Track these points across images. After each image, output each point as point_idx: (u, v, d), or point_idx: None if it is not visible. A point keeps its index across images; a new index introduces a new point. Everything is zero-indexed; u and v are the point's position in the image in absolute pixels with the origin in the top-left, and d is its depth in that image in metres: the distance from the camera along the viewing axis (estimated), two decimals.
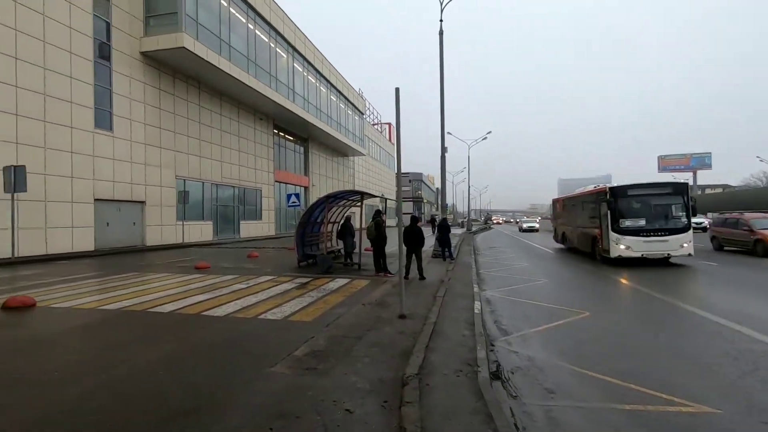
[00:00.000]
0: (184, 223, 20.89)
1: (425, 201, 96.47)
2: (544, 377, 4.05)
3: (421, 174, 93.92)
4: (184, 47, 18.17)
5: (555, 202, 21.29)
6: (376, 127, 61.03)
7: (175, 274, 10.34)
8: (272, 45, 26.75)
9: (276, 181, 31.22)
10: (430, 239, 14.71)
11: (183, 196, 20.09)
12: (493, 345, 5.06)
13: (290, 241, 22.10)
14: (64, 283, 9.06)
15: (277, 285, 8.80)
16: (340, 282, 9.23)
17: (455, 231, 28.62)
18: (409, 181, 79.00)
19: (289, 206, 22.54)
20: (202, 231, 22.73)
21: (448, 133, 19.53)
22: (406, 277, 8.64)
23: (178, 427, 2.86)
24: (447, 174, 17.51)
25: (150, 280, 9.52)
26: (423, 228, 10.44)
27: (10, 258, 12.85)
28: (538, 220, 42.44)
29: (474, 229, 43.75)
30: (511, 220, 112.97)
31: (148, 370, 3.96)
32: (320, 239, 13.47)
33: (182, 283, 9.04)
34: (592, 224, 14.04)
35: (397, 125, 6.13)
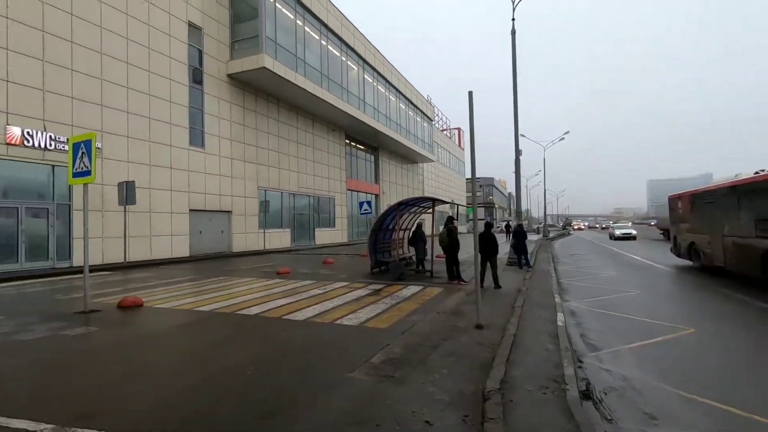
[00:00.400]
0: (265, 230, 22.31)
1: (497, 206, 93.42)
2: (644, 400, 3.64)
3: (492, 179, 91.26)
4: (264, 67, 19.55)
5: (675, 199, 15.03)
6: (445, 132, 60.53)
7: (258, 279, 11.03)
8: (344, 59, 27.77)
9: (348, 190, 32.19)
10: (503, 246, 14.14)
11: (264, 206, 21.51)
12: (581, 361, 4.68)
13: (362, 247, 22.60)
14: (166, 286, 10.08)
15: (351, 291, 9.00)
16: (413, 289, 9.20)
17: (531, 237, 27.29)
18: (480, 186, 77.09)
19: (361, 214, 23.08)
20: (281, 238, 24.09)
21: (522, 135, 18.74)
22: (481, 286, 8.37)
23: (265, 427, 3.00)
24: (521, 178, 16.77)
25: (237, 284, 10.25)
26: (496, 235, 10.08)
27: (122, 262, 14.64)
28: (629, 225, 38.50)
29: (551, 235, 41.35)
30: (597, 225, 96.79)
31: (238, 370, 4.22)
32: (392, 246, 13.58)
33: (265, 287, 9.60)
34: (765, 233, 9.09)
35: (470, 130, 5.99)
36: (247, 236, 21.47)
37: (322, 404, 3.36)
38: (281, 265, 14.33)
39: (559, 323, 6.06)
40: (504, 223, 47.50)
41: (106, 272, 13.02)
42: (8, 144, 11.97)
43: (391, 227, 13.50)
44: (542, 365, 4.26)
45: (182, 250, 17.65)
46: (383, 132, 33.09)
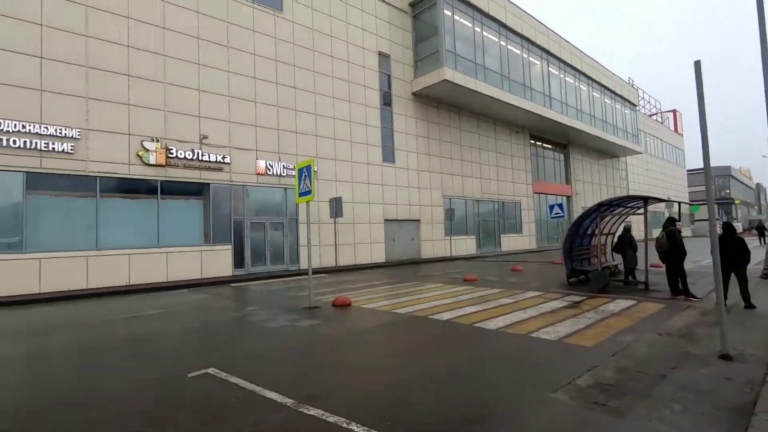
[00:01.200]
0: (451, 237, 22.88)
1: (737, 202, 72.99)
2: None
3: (728, 167, 72.06)
4: (445, 80, 20.27)
5: None
6: (654, 117, 50.84)
7: (447, 285, 11.33)
8: (525, 55, 26.45)
9: (535, 193, 30.25)
10: (756, 253, 10.88)
11: (449, 214, 22.12)
12: None
13: (552, 254, 20.80)
14: (368, 288, 11.34)
15: (546, 302, 8.33)
16: (621, 304, 7.92)
17: None
18: (713, 178, 61.62)
19: (552, 218, 21.32)
20: (466, 245, 24.30)
21: None
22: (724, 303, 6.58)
23: None
24: None
25: (427, 289, 10.76)
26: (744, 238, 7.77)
27: (334, 267, 17.20)
28: None
29: None
30: None
31: (435, 373, 4.37)
32: (591, 253, 12.05)
33: (454, 293, 9.78)
34: None
35: (700, 109, 4.81)
36: (434, 243, 22.43)
37: (524, 422, 3.16)
38: (468, 271, 14.40)
39: None
40: (755, 223, 36.68)
41: (323, 274, 15.49)
42: (257, 174, 15.60)
43: (589, 232, 12.01)
44: None
45: (379, 256, 19.63)
46: (573, 127, 29.97)
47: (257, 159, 15.61)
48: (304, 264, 16.54)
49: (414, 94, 21.92)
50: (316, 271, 15.89)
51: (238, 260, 15.02)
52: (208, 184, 14.34)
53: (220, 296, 10.68)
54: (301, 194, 8.49)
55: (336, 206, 15.95)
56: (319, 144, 17.61)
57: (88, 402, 3.83)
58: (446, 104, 23.73)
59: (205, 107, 14.34)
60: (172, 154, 13.40)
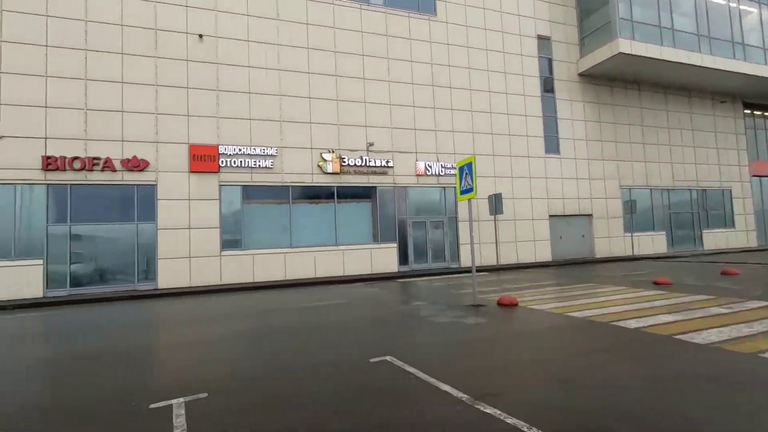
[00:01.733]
0: (633, 234, 19.82)
1: None
2: None
3: None
4: (620, 53, 17.70)
5: None
6: None
7: (631, 289, 9.86)
8: (732, 4, 21.11)
9: (753, 176, 23.88)
10: None
11: (629, 206, 19.21)
12: None
13: None
14: (535, 288, 10.69)
15: None
16: None
17: None
18: None
19: None
20: (653, 242, 20.71)
21: None
22: None
23: None
24: None
25: (606, 292, 9.55)
26: None
27: (495, 265, 16.76)
28: None
29: None
30: None
31: (625, 386, 3.85)
32: None
33: (641, 298, 8.45)
34: None
35: None
36: (610, 241, 19.78)
37: None
38: (657, 273, 12.25)
39: None
40: None
41: (484, 273, 15.24)
42: (417, 175, 16.30)
43: None
44: None
45: (544, 254, 18.30)
46: None
47: (417, 161, 16.31)
48: (464, 262, 16.60)
49: (581, 75, 19.76)
50: (476, 270, 15.78)
51: (402, 257, 15.97)
52: (375, 187, 15.65)
53: (389, 290, 11.53)
54: (462, 192, 8.54)
55: (496, 203, 15.52)
56: (477, 141, 17.40)
57: (289, 374, 4.60)
58: (621, 81, 20.68)
59: (370, 117, 15.69)
60: (344, 162, 15.08)
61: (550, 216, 18.64)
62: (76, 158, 12.21)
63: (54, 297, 11.72)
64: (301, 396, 3.91)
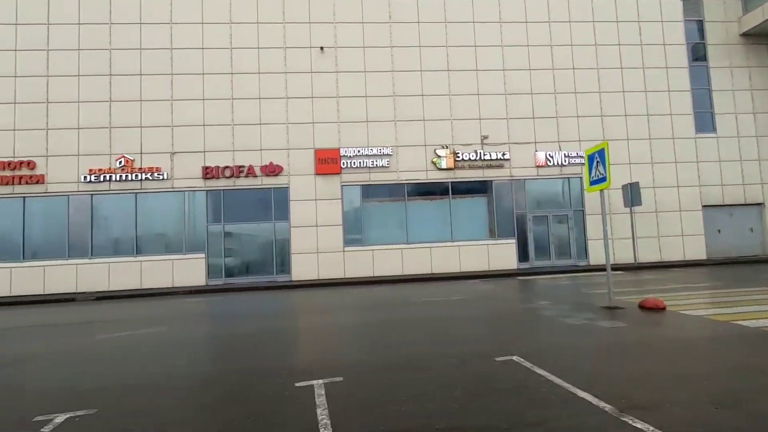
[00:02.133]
0: None
1: None
2: None
3: None
4: None
5: None
6: None
7: None
8: None
9: None
10: None
11: None
12: None
13: None
14: (687, 291, 9.22)
15: None
16: None
17: None
18: None
19: None
20: None
21: None
22: None
23: None
24: None
25: None
26: None
27: (632, 263, 14.88)
28: None
29: None
30: None
31: None
32: None
33: None
34: None
35: None
36: None
37: None
38: None
39: None
40: None
41: (617, 272, 13.65)
42: (537, 166, 15.31)
43: None
44: None
45: (696, 252, 15.64)
46: None
47: (536, 151, 15.33)
48: (594, 259, 15.12)
49: (744, 35, 16.37)
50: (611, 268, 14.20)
51: (522, 254, 15.18)
52: (491, 181, 15.15)
53: (509, 288, 11.08)
54: (593, 182, 7.76)
55: (632, 193, 13.81)
56: (606, 124, 15.65)
57: (416, 366, 4.71)
58: None
59: (483, 109, 15.23)
60: (458, 157, 14.91)
61: (704, 206, 15.84)
62: (226, 167, 14.28)
63: (213, 285, 13.92)
64: (431, 388, 4.00)
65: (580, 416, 3.27)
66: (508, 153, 15.14)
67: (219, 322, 8.61)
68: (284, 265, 14.55)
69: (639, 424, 3.07)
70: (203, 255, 14.17)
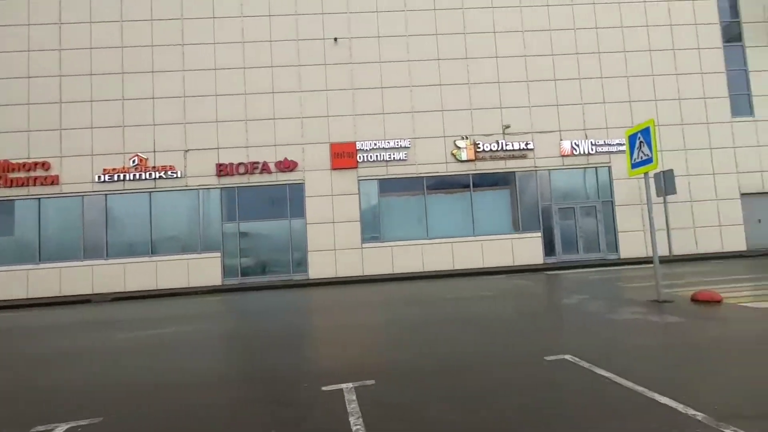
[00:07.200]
0: None
1: None
2: None
3: None
4: None
5: None
6: None
7: None
8: None
9: None
10: None
11: None
12: None
13: None
14: (735, 283, 8.50)
15: None
16: None
17: None
18: None
19: None
20: None
21: None
22: None
23: None
24: None
25: None
26: None
27: (667, 256, 14.04)
28: None
29: None
30: None
31: None
32: None
33: None
34: None
35: None
36: None
37: None
38: None
39: None
40: None
41: (650, 265, 12.84)
42: (562, 156, 14.60)
43: None
44: None
45: (735, 242, 14.72)
46: None
47: (561, 140, 14.62)
48: (624, 252, 14.36)
49: None
50: (637, 261, 13.43)
51: (548, 248, 14.48)
52: (514, 172, 14.50)
53: (538, 282, 10.45)
54: (635, 165, 7.10)
55: (666, 181, 13.03)
56: (634, 110, 14.84)
57: (456, 368, 4.18)
58: None
59: (504, 97, 14.59)
60: (479, 148, 14.29)
61: (743, 195, 14.89)
62: (240, 164, 13.94)
63: (229, 284, 13.58)
64: (477, 392, 3.46)
65: (671, 426, 2.70)
66: (531, 143, 14.46)
67: (236, 322, 8.21)
68: (301, 263, 14.14)
69: None
70: (219, 254, 13.85)
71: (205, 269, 13.69)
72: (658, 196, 13.69)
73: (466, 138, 14.37)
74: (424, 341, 5.40)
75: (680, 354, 4.32)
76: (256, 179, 14.03)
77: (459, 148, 14.30)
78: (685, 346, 4.59)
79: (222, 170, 13.89)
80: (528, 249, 14.31)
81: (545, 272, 12.84)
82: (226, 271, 13.91)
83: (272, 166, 14.03)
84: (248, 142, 14.09)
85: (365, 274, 13.87)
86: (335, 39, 14.42)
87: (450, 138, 14.38)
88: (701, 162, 14.87)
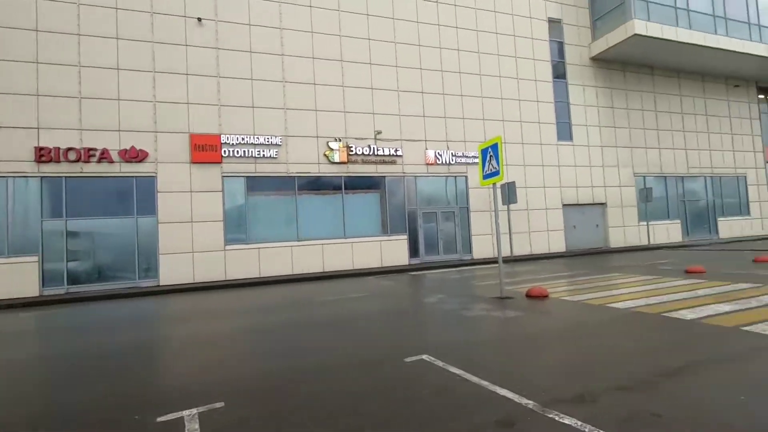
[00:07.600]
0: (648, 223, 19.22)
1: None
2: None
3: None
4: (636, 34, 17.00)
5: None
6: None
7: (663, 278, 9.28)
8: None
9: None
10: None
11: (644, 195, 18.62)
12: None
13: None
14: (558, 279, 10.11)
15: None
16: None
17: None
18: None
19: None
20: (668, 231, 20.13)
21: None
22: None
23: None
24: None
25: (637, 282, 8.97)
26: None
27: (509, 256, 16.17)
28: None
29: None
30: None
31: (722, 389, 3.27)
32: None
33: (681, 288, 7.87)
34: None
35: None
36: (625, 230, 19.21)
37: None
38: (683, 262, 11.69)
39: None
40: None
41: (496, 264, 14.65)
42: (427, 164, 15.67)
43: None
44: None
45: (558, 245, 17.72)
46: None
47: (426, 149, 15.68)
48: (477, 253, 16.06)
49: (593, 59, 19.09)
50: (487, 261, 15.21)
51: (413, 249, 15.37)
52: (384, 177, 15.02)
53: (403, 283, 10.94)
54: (486, 176, 7.92)
55: (509, 192, 14.92)
56: (487, 128, 16.76)
57: (318, 377, 4.01)
58: (634, 65, 20.01)
59: (377, 104, 15.03)
60: (352, 151, 14.44)
61: (564, 205, 18.05)
62: (70, 149, 11.56)
63: (51, 295, 11.12)
64: (339, 401, 3.32)
65: (512, 416, 2.93)
66: (400, 149, 15.19)
67: (48, 343, 6.66)
68: (150, 268, 12.36)
69: (567, 420, 2.84)
70: (35, 258, 11.24)
71: (14, 277, 10.97)
72: (503, 204, 15.67)
73: (340, 140, 14.39)
74: (284, 350, 5.09)
75: (517, 345, 4.87)
76: (92, 169, 11.80)
77: (332, 149, 14.24)
78: (521, 337, 5.20)
79: (43, 155, 11.32)
80: (395, 250, 14.97)
81: (410, 273, 13.57)
82: (47, 278, 11.37)
83: (115, 155, 11.98)
84: (82, 125, 11.77)
85: (228, 278, 12.81)
86: (199, 19, 13.03)
87: (323, 139, 14.22)
88: (535, 176, 17.53)
